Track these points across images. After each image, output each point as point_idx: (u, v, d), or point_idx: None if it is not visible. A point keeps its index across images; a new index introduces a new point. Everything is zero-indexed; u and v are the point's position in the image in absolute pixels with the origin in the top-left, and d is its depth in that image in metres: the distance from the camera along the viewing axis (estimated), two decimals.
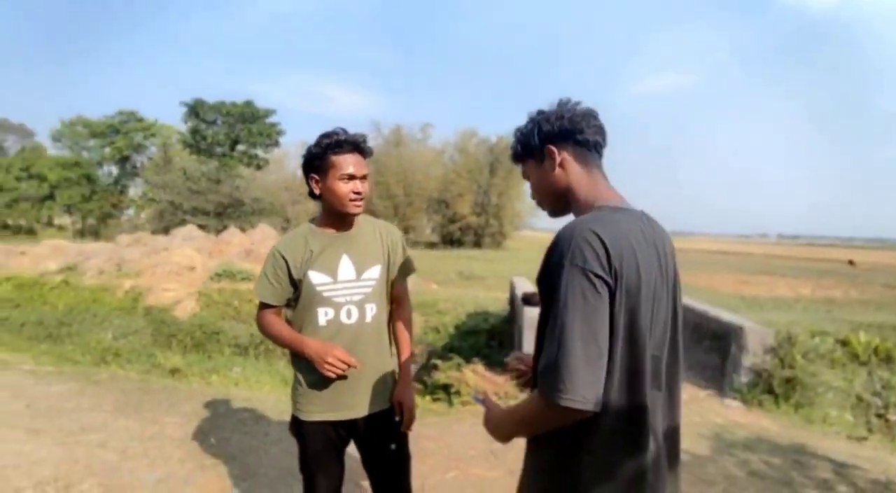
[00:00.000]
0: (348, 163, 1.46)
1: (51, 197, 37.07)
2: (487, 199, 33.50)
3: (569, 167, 1.06)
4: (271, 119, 33.35)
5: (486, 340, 7.65)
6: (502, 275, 13.55)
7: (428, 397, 4.56)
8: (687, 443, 3.32)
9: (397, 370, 1.65)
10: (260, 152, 33.58)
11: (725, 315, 4.83)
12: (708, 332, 4.87)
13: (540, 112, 1.09)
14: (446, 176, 33.08)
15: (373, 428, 1.57)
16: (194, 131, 31.77)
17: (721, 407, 4.04)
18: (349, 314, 1.52)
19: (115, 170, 41.37)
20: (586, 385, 0.86)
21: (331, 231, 1.55)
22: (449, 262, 19.30)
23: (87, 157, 39.57)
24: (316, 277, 1.51)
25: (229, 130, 31.76)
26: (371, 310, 1.55)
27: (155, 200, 23.36)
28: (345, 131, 1.48)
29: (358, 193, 1.48)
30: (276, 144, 33.83)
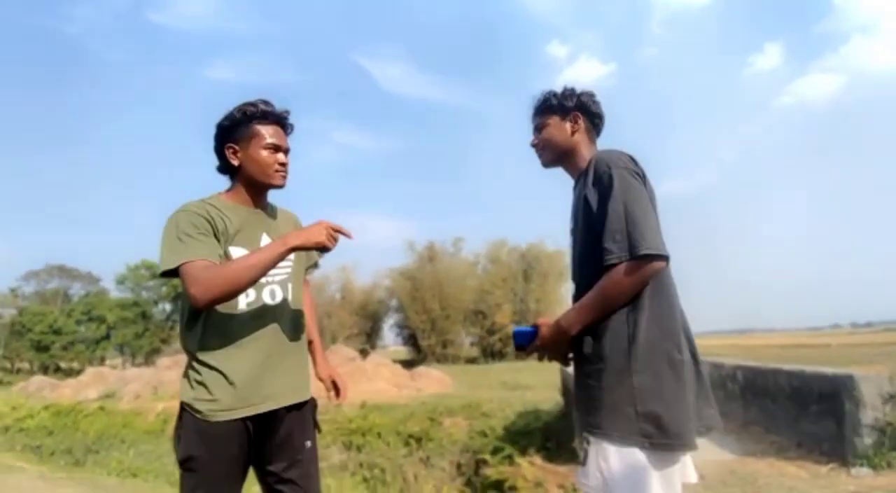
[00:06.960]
0: (274, 133, 1.40)
1: (107, 337, 39.05)
2: (525, 306, 32.72)
3: (581, 135, 1.40)
4: None
5: (541, 441, 6.64)
6: (553, 384, 11.54)
7: None
8: None
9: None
10: None
11: (829, 369, 4.02)
12: (812, 394, 4.01)
13: (574, 89, 1.41)
14: (481, 287, 33.02)
15: (294, 421, 1.40)
16: None
17: (850, 479, 3.12)
18: (273, 295, 1.39)
19: (168, 307, 43.87)
20: (657, 238, 1.18)
21: (246, 207, 1.42)
22: (491, 375, 18.14)
23: (145, 296, 42.48)
24: (238, 253, 1.35)
25: None
26: (292, 290, 1.45)
27: None
28: (269, 102, 1.41)
29: (283, 165, 1.41)
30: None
